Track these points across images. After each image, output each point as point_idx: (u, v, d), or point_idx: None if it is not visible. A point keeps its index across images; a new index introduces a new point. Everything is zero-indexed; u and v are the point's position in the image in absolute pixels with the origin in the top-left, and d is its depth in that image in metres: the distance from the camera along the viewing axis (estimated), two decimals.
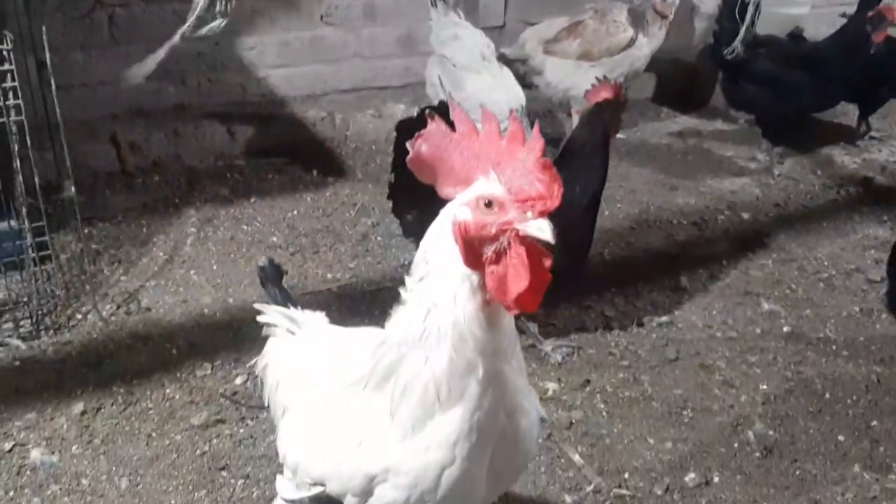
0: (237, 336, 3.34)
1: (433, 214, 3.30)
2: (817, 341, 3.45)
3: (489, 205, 1.44)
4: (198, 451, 2.77)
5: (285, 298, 2.16)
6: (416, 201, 3.28)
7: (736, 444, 2.89)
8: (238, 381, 3.09)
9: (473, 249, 1.46)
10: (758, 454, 2.85)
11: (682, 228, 4.32)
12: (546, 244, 1.43)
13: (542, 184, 1.43)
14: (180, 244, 3.97)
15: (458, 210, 1.48)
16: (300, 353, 1.96)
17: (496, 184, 1.45)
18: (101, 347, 3.24)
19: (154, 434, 2.84)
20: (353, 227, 4.20)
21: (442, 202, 3.24)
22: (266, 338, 2.14)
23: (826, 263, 4.01)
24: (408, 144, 1.52)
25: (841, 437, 2.92)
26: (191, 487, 2.63)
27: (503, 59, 4.64)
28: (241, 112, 4.93)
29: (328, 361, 1.81)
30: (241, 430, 2.86)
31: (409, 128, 3.21)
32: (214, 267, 3.81)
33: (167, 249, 3.93)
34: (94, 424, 2.87)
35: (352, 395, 1.64)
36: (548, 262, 1.46)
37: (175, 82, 4.83)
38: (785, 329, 3.52)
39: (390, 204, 3.33)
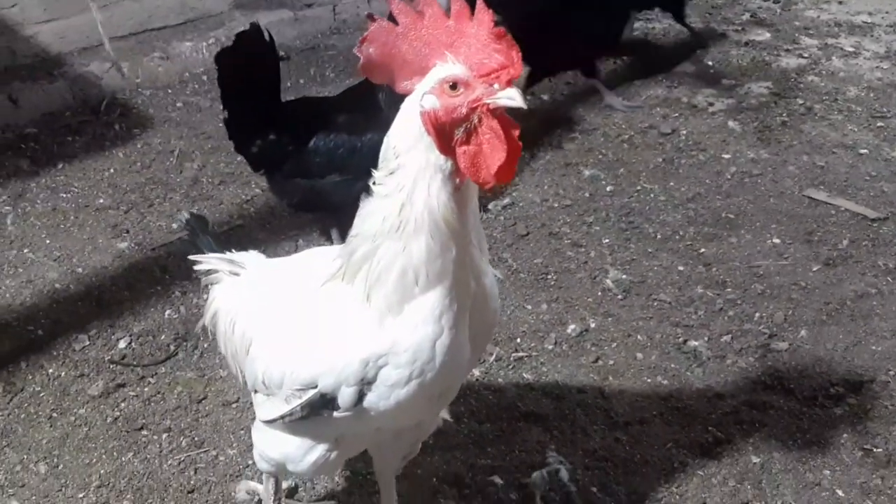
0: (101, 302, 3.23)
1: (279, 141, 3.30)
2: (636, 193, 3.89)
3: (454, 87, 1.48)
4: (108, 419, 2.71)
5: (219, 244, 2.15)
6: (256, 132, 3.27)
7: (599, 293, 3.27)
8: (122, 344, 3.01)
9: (446, 134, 1.50)
10: (619, 296, 3.24)
11: None
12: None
13: (500, 53, 1.47)
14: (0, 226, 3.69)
15: (422, 100, 1.52)
16: (253, 285, 1.98)
17: (455, 64, 1.49)
18: None
19: (55, 414, 2.73)
20: (180, 174, 4.08)
21: (283, 123, 3.25)
22: (206, 288, 2.12)
23: (623, 126, 4.47)
24: (355, 50, 1.55)
25: (680, 268, 3.39)
26: (115, 454, 2.59)
27: None
28: (18, 77, 4.54)
29: (288, 280, 1.86)
30: (146, 389, 2.82)
31: (230, 57, 3.20)
32: (48, 241, 3.59)
33: None
34: None
35: (325, 293, 1.70)
36: (517, 132, 1.51)
37: None
38: (608, 189, 3.93)
39: (232, 143, 3.31)
